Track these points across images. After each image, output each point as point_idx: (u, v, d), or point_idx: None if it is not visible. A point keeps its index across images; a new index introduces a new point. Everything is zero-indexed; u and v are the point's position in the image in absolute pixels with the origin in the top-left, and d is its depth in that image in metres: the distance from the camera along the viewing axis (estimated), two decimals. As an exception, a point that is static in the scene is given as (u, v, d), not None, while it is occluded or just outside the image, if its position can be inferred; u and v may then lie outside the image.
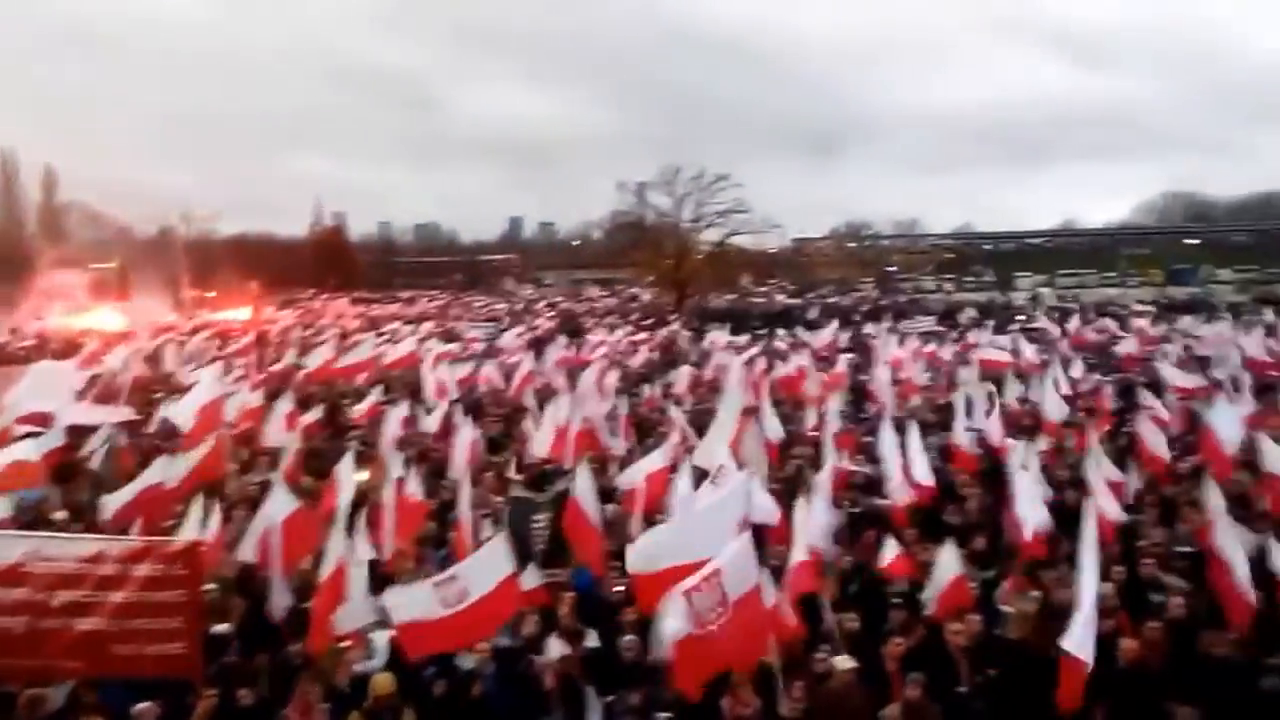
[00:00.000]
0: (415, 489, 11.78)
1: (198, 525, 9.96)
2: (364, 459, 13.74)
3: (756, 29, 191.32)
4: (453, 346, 30.79)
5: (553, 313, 53.27)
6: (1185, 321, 34.01)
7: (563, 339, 32.78)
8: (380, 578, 9.68)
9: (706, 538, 7.89)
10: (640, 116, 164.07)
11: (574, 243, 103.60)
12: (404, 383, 22.08)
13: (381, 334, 35.87)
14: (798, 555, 8.92)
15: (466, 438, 14.61)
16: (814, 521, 9.77)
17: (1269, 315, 32.91)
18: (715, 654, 7.15)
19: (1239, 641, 7.87)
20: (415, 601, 7.93)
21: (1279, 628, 7.89)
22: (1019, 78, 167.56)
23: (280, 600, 9.24)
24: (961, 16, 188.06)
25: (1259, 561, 8.65)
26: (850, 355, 25.90)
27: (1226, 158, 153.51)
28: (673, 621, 6.93)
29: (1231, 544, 8.75)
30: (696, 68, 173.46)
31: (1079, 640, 7.00)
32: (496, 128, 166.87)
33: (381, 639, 8.63)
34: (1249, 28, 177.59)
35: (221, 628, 8.80)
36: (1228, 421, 13.07)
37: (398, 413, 16.48)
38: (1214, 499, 9.52)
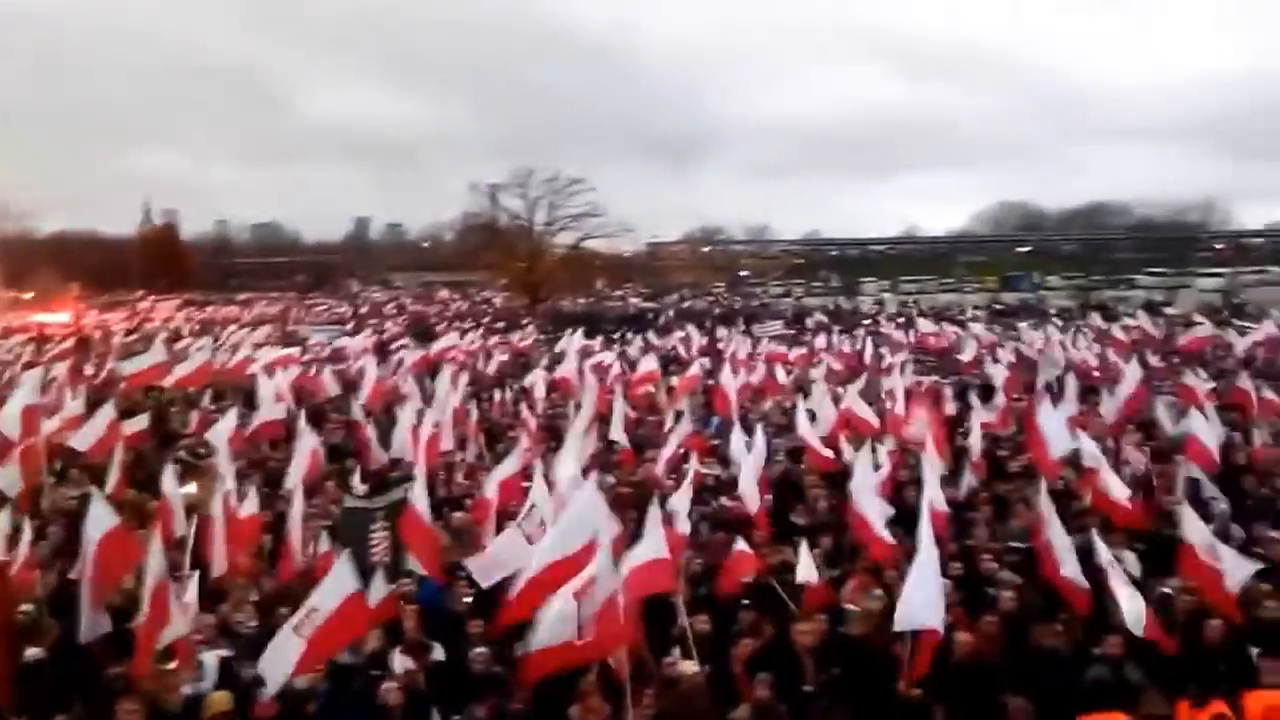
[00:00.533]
0: (249, 501, 11.22)
1: (4, 542, 9.25)
2: (193, 470, 13.04)
3: (613, 34, 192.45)
4: (292, 351, 29.72)
5: (401, 316, 52.15)
6: (1018, 326, 35.69)
7: (411, 342, 32.11)
8: (213, 593, 9.24)
9: (565, 544, 7.84)
10: (493, 118, 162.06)
11: (424, 244, 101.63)
12: (237, 389, 21.13)
13: (214, 338, 34.37)
14: (649, 555, 8.89)
15: (306, 446, 14.01)
16: (677, 523, 9.77)
17: (1095, 320, 34.99)
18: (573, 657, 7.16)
19: (1068, 633, 8.19)
20: (282, 653, 7.50)
21: (1105, 619, 8.24)
22: (865, 89, 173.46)
23: (93, 622, 8.57)
24: (811, 29, 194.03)
25: (1085, 556, 9.04)
26: (703, 359, 26.16)
27: (1057, 170, 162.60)
28: (555, 626, 6.94)
29: (1060, 538, 9.16)
30: (552, 71, 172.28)
31: (920, 612, 7.35)
32: (343, 125, 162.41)
33: (211, 659, 8.17)
34: (1077, 45, 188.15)
35: (34, 652, 8.19)
36: (1054, 422, 13.71)
37: (229, 421, 15.70)
38: (1043, 496, 9.90)
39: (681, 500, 10.46)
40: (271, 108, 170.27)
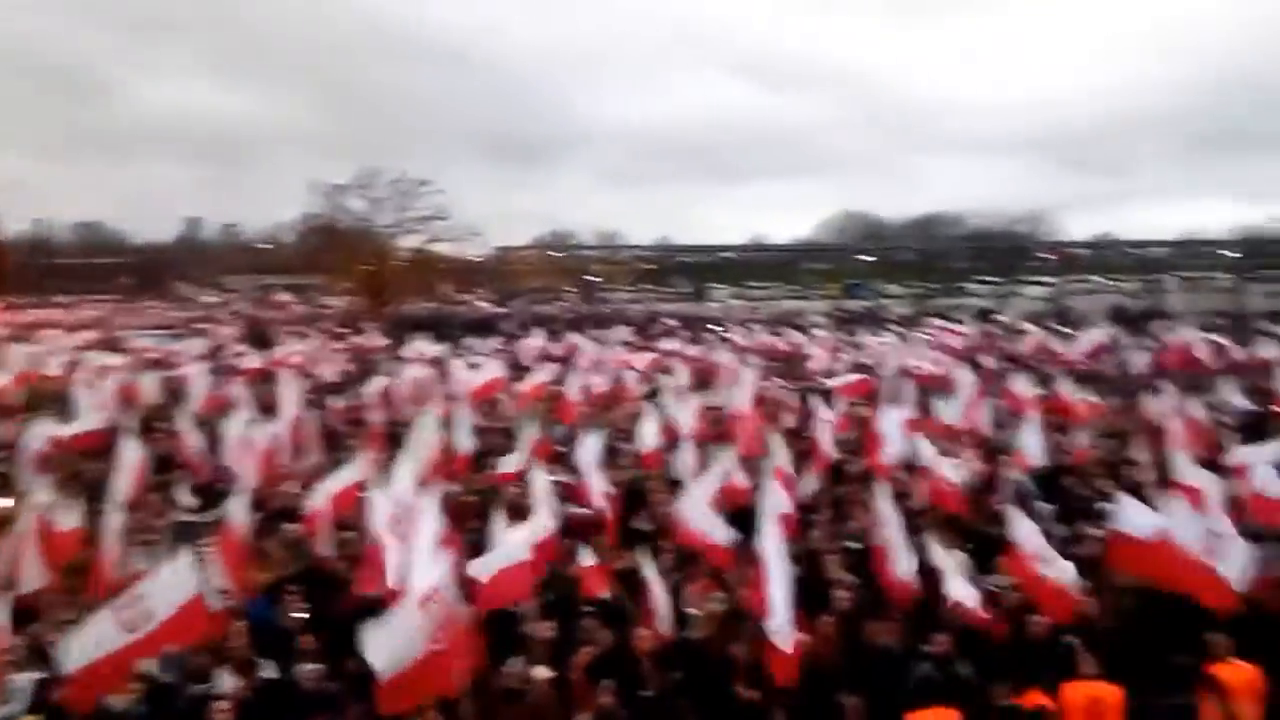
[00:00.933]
0: (69, 515, 10.48)
1: None
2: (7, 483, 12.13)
3: (462, 34, 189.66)
4: (117, 357, 28.05)
5: (237, 320, 50.03)
6: (858, 333, 36.79)
7: (247, 348, 30.78)
8: (24, 614, 8.59)
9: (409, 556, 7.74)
10: (338, 118, 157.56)
11: (261, 246, 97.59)
12: (55, 397, 19.77)
13: (32, 342, 32.19)
14: (503, 564, 8.77)
15: (129, 457, 13.15)
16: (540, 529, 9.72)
17: (932, 327, 36.41)
18: (432, 675, 7.00)
19: (899, 631, 8.37)
20: (96, 639, 7.13)
21: (935, 618, 8.46)
22: (717, 98, 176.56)
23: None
24: (661, 37, 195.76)
25: (919, 555, 9.28)
26: (551, 364, 25.93)
27: (897, 181, 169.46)
28: (404, 640, 6.81)
29: (896, 538, 9.41)
30: (400, 71, 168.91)
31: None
32: (174, 121, 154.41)
33: (23, 681, 7.63)
34: (917, 60, 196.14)
35: None
36: (891, 425, 14.10)
37: (45, 430, 14.62)
38: (880, 498, 10.12)
39: (541, 507, 10.34)
40: (96, 102, 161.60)
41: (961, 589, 8.59)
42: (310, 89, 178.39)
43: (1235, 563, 8.40)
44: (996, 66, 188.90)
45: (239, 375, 23.16)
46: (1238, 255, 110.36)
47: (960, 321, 39.63)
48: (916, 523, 10.60)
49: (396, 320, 47.83)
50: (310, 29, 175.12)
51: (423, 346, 30.50)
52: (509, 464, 13.41)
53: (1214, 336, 28.70)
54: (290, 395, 17.81)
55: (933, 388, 20.33)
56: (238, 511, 9.95)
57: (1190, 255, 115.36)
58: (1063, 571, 8.69)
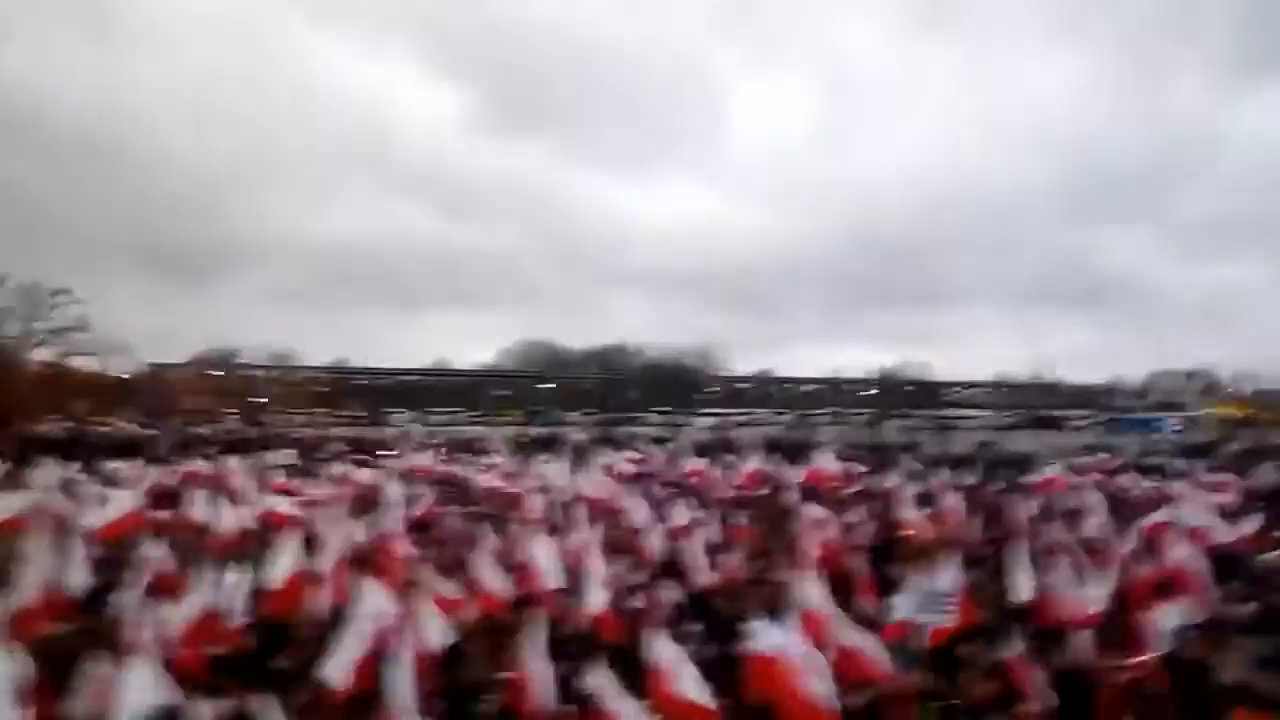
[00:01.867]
0: None
1: None
2: None
3: (109, 134, 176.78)
4: None
5: None
6: (536, 457, 36.87)
7: None
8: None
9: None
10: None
11: None
12: None
13: None
14: None
15: None
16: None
17: (609, 453, 37.19)
18: None
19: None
20: None
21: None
22: (401, 223, 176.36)
23: None
24: (344, 156, 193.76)
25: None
26: (200, 490, 23.75)
27: (578, 313, 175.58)
28: None
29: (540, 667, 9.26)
30: (35, 171, 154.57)
31: None
32: None
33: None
34: (597, 197, 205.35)
35: None
36: (546, 553, 14.11)
37: None
38: (535, 624, 9.87)
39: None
40: None
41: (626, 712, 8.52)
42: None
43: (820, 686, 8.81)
44: (673, 206, 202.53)
45: None
46: (875, 393, 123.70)
47: (635, 449, 40.89)
48: (571, 649, 10.41)
49: (24, 440, 42.55)
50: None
51: (51, 470, 27.01)
52: (125, 600, 11.86)
53: (852, 465, 31.44)
54: None
55: (605, 513, 20.53)
56: None
57: (837, 392, 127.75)
58: (700, 691, 8.85)
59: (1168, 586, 13.45)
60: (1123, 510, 20.60)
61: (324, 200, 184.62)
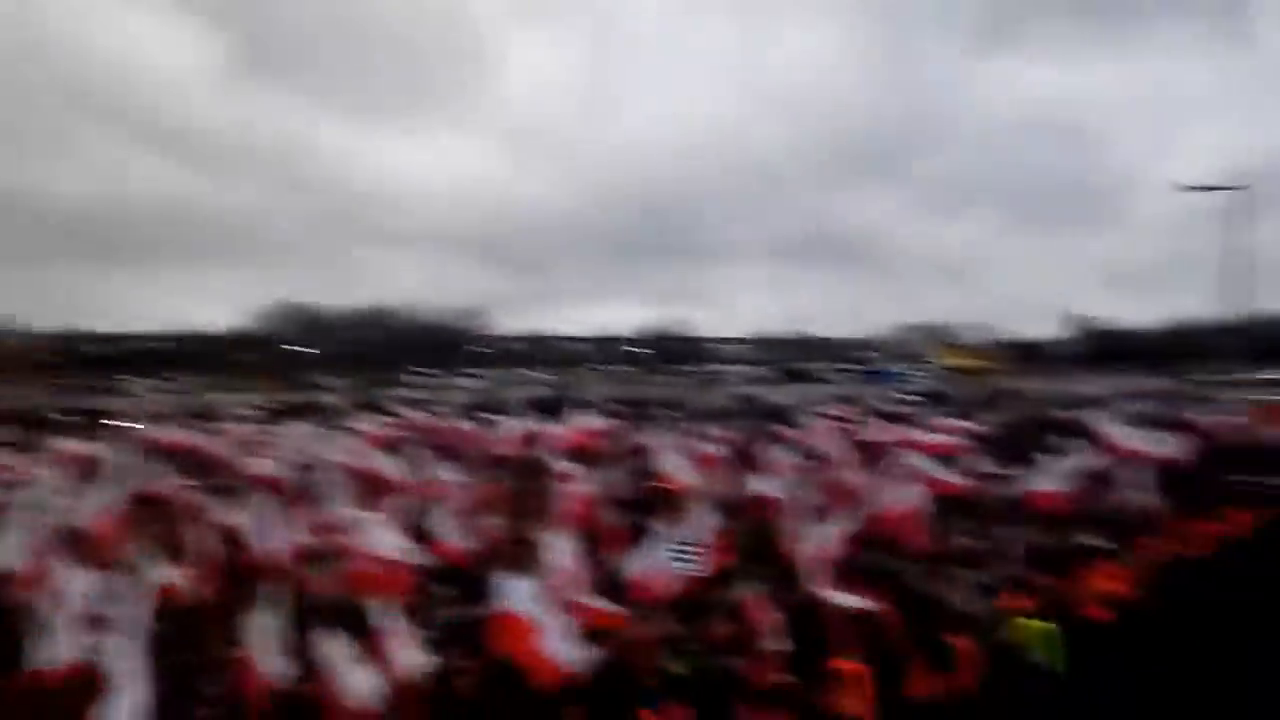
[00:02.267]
0: None
1: None
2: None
3: None
4: None
5: None
6: (288, 425, 35.12)
7: None
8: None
9: None
10: None
11: None
12: None
13: None
14: None
15: None
16: None
17: (367, 418, 35.88)
18: None
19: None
20: None
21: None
22: (131, 174, 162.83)
23: None
24: (71, 106, 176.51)
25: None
26: None
27: (339, 272, 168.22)
28: None
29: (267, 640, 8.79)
30: None
31: None
32: None
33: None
34: (359, 150, 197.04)
35: None
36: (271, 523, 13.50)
37: None
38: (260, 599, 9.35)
39: None
40: None
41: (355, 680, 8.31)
42: None
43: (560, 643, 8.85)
44: (435, 162, 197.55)
45: None
46: (643, 350, 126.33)
47: (395, 414, 39.73)
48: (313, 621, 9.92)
49: None
50: None
51: None
52: None
53: (614, 421, 31.81)
54: None
55: (357, 478, 19.78)
56: None
57: (604, 349, 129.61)
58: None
59: (898, 525, 14.39)
60: (866, 456, 21.84)
61: (52, 154, 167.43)
